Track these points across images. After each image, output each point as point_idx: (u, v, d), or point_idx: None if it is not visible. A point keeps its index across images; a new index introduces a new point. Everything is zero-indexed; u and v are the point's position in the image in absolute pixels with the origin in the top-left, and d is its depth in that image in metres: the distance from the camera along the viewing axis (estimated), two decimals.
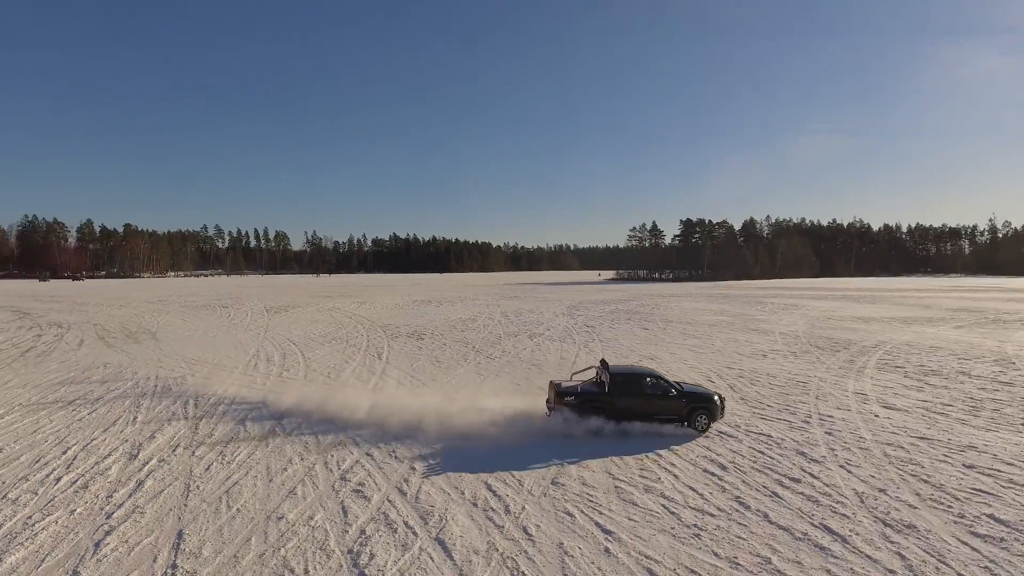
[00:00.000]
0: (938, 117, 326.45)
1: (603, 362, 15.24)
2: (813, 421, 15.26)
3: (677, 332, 34.12)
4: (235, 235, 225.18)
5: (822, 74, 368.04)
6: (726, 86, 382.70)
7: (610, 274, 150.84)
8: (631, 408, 14.07)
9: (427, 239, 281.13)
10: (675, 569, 7.83)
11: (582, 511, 9.66)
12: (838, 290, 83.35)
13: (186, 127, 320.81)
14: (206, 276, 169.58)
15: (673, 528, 9.08)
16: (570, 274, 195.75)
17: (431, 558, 8.12)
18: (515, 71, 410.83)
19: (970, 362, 24.24)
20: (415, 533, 8.88)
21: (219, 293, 74.29)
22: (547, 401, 14.84)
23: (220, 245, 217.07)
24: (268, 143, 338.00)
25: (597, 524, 9.19)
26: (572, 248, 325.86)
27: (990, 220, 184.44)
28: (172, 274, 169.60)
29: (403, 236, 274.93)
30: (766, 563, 8.01)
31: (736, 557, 8.16)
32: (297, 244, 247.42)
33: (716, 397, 14.79)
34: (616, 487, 10.70)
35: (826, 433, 14.17)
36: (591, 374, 15.86)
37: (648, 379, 14.64)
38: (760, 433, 14.20)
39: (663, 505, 9.93)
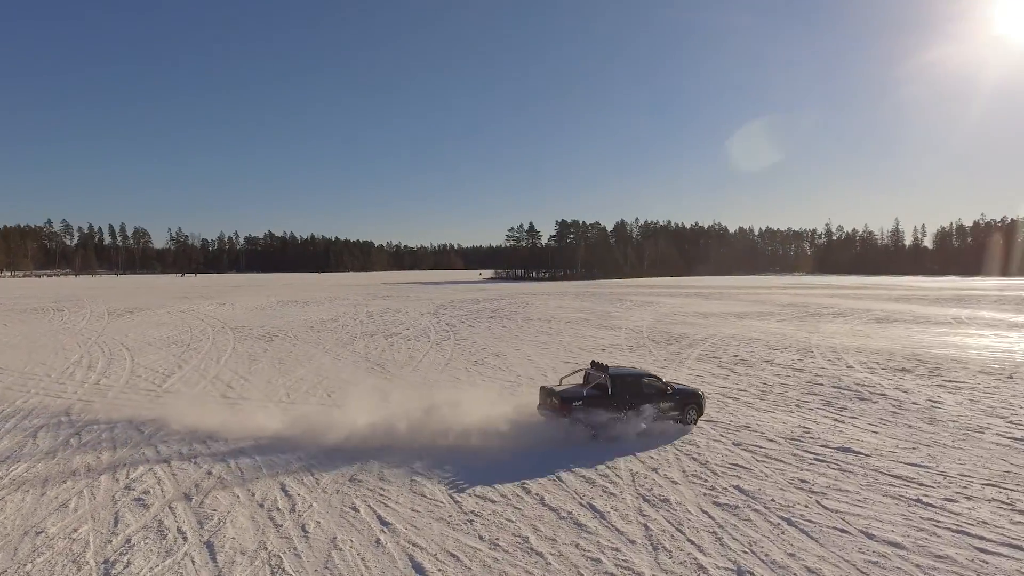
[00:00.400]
0: (783, 128, 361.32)
1: (596, 364, 15.11)
2: None
3: (532, 329, 35.42)
4: (86, 231, 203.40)
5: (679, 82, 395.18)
6: (600, 91, 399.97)
7: (490, 273, 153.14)
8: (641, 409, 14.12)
9: (306, 237, 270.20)
10: (436, 554, 8.27)
11: (369, 505, 9.89)
12: (693, 288, 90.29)
13: (23, 106, 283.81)
14: (49, 276, 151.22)
15: (450, 516, 9.55)
16: (452, 273, 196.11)
17: (193, 562, 7.99)
18: (394, 62, 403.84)
19: (777, 351, 27.28)
20: (185, 538, 8.68)
21: (59, 295, 66.92)
22: (540, 406, 14.50)
23: (68, 242, 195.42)
24: (121, 127, 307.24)
25: (378, 517, 9.45)
26: (457, 248, 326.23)
27: (826, 224, 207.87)
28: (8, 274, 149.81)
29: (279, 234, 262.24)
30: (524, 542, 8.65)
31: (498, 539, 8.74)
32: (160, 242, 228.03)
33: (700, 392, 15.56)
34: (411, 480, 11.04)
35: None
36: (577, 378, 15.55)
37: (645, 379, 14.90)
38: None
39: (450, 495, 10.40)
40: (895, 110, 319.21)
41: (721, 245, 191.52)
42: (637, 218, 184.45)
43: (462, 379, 20.64)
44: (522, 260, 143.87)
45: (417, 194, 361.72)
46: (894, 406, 16.96)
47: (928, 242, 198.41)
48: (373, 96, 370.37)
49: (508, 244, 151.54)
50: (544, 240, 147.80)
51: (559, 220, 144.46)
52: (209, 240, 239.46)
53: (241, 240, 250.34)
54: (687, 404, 14.87)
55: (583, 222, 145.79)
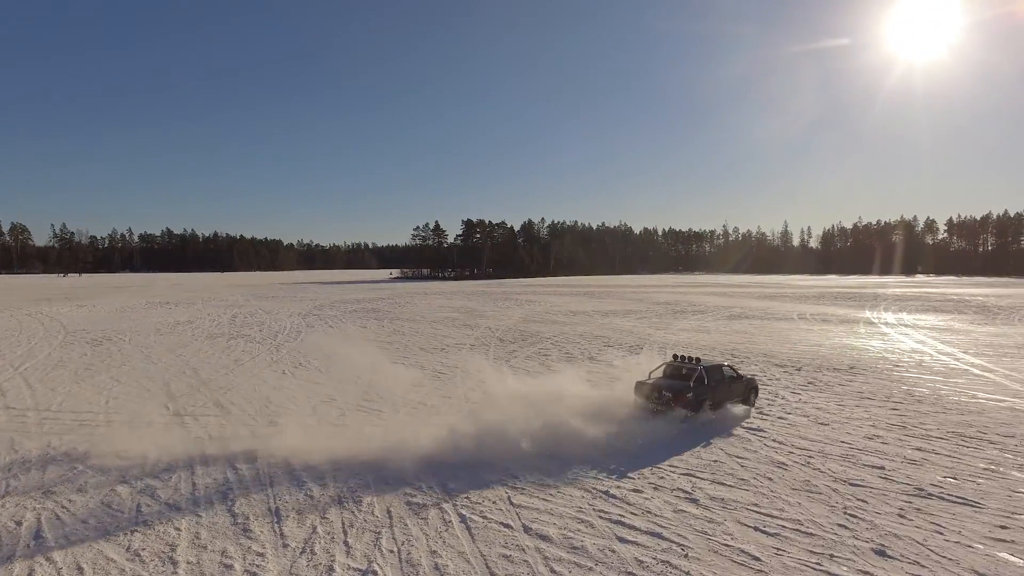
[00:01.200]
0: (684, 128, 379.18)
1: (680, 357, 16.47)
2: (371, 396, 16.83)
3: (390, 329, 35.45)
4: None
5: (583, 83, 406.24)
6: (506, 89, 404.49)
7: (397, 273, 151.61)
8: (724, 395, 15.68)
9: (208, 235, 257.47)
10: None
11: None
12: (587, 287, 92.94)
13: None
14: None
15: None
16: (361, 273, 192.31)
17: None
18: (307, 59, 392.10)
19: (610, 348, 28.55)
20: None
21: None
22: (648, 400, 15.17)
23: None
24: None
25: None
26: (371, 247, 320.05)
27: (723, 226, 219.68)
28: None
29: (179, 232, 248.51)
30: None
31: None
32: (42, 239, 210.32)
33: (755, 378, 17.99)
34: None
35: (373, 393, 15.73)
36: (658, 372, 16.43)
37: (725, 367, 16.30)
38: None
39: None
40: (783, 118, 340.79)
41: (627, 245, 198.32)
42: (543, 218, 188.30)
43: (268, 382, 20.34)
44: (427, 260, 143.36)
45: (330, 193, 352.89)
46: None
47: (815, 243, 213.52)
48: (289, 98, 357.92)
49: (413, 243, 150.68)
50: (450, 240, 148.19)
51: (465, 219, 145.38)
52: (99, 237, 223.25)
53: (135, 238, 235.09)
54: (750, 388, 16.83)
55: (489, 222, 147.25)
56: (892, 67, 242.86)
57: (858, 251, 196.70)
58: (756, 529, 9.01)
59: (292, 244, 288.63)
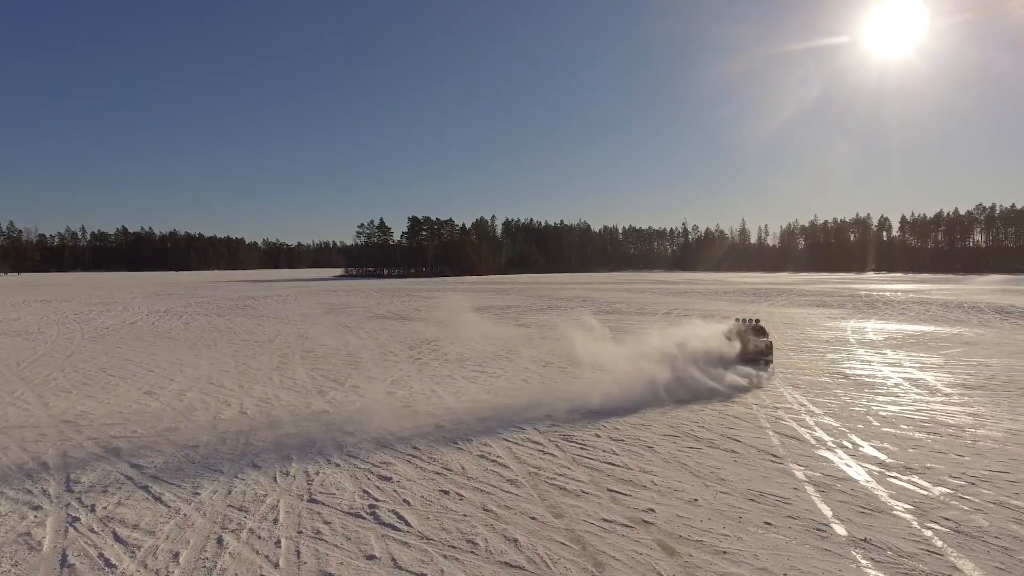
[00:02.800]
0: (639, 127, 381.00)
1: (744, 320, 18.03)
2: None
3: (227, 326, 33.71)
4: None
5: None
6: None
7: (340, 271, 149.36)
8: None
9: (166, 233, 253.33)
10: None
11: None
12: (515, 283, 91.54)
13: None
14: None
15: None
16: (312, 272, 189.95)
17: None
18: (271, 54, 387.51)
19: (480, 344, 27.06)
20: None
21: None
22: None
23: None
24: None
25: None
26: (339, 245, 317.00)
27: (683, 223, 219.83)
28: None
29: (134, 230, 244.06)
30: None
31: None
32: None
33: None
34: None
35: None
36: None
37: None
38: None
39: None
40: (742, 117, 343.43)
41: (586, 243, 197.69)
42: (494, 215, 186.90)
43: None
44: (371, 259, 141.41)
45: (295, 190, 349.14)
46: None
47: (772, 240, 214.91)
48: (264, 98, 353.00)
49: (357, 241, 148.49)
50: (396, 237, 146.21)
51: (411, 216, 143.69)
52: (48, 235, 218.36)
53: (88, 236, 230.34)
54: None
55: (437, 219, 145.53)
56: (853, 70, 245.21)
57: (815, 249, 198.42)
58: None
59: (255, 243, 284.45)
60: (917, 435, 11.26)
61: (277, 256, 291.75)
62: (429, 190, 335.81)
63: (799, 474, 9.19)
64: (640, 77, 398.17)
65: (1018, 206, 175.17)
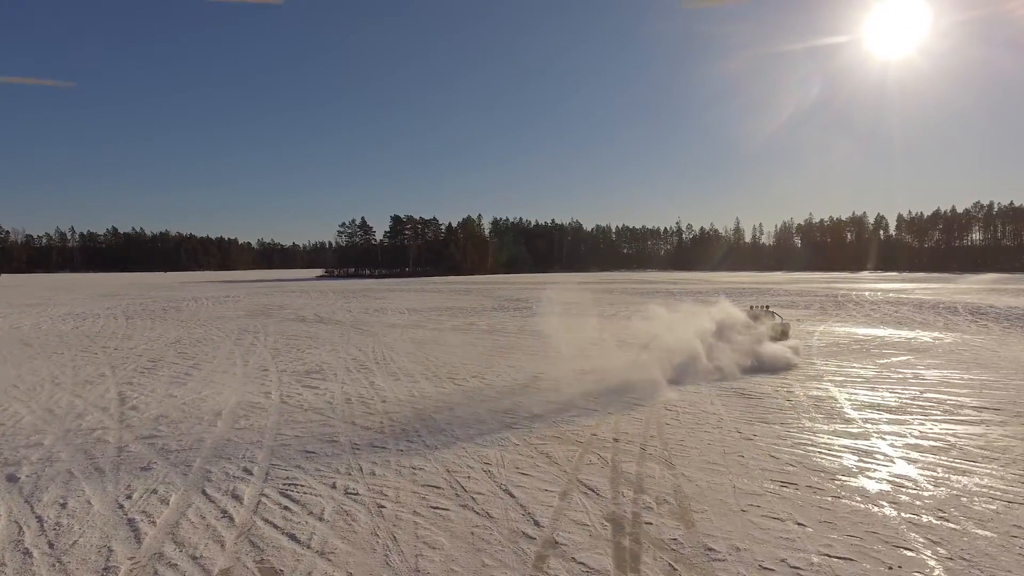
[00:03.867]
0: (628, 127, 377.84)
1: (757, 307, 21.52)
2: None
3: (118, 330, 30.99)
4: None
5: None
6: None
7: (321, 271, 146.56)
8: None
9: (157, 233, 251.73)
10: None
11: None
12: (485, 283, 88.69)
13: None
14: None
15: None
16: (295, 272, 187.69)
17: None
18: (263, 54, 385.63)
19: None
20: None
21: None
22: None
23: None
24: None
25: None
26: (333, 246, 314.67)
27: (677, 223, 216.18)
28: None
29: (125, 231, 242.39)
30: None
31: None
32: None
33: None
34: None
35: None
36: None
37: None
38: None
39: None
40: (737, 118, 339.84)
41: (578, 243, 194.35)
42: (481, 215, 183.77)
43: None
44: (353, 259, 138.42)
45: (296, 190, 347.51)
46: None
47: (768, 239, 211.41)
48: (262, 100, 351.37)
49: (339, 241, 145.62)
50: (379, 236, 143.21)
51: (393, 216, 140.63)
52: (35, 236, 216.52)
53: (77, 237, 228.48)
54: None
55: (420, 218, 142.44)
56: (854, 69, 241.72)
57: (813, 248, 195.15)
58: None
59: (249, 243, 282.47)
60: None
61: (271, 256, 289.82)
62: (428, 190, 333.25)
63: None
64: (639, 77, 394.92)
65: (1016, 204, 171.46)
